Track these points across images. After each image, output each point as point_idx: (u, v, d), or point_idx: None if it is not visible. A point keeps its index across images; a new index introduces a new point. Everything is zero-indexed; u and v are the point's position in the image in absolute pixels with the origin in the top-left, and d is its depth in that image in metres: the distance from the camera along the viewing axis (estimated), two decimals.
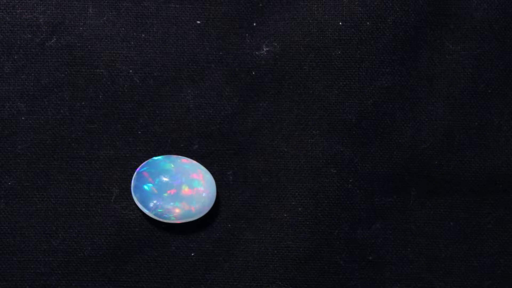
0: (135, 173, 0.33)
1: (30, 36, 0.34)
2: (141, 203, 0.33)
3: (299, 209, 0.34)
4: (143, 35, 0.34)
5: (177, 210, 0.33)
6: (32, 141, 0.34)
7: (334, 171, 0.34)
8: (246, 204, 0.34)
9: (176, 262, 0.34)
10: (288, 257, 0.34)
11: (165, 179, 0.33)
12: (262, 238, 0.34)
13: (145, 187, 0.33)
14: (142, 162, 0.33)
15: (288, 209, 0.34)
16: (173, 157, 0.33)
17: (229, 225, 0.34)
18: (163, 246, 0.34)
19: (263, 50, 0.34)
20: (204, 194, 0.33)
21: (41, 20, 0.34)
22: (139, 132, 0.34)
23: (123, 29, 0.34)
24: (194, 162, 0.33)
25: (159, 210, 0.33)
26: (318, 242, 0.34)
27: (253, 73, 0.34)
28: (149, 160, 0.33)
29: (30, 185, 0.34)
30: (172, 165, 0.33)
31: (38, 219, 0.34)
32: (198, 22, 0.34)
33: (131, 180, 0.33)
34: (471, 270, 0.35)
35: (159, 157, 0.33)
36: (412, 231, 0.35)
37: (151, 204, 0.33)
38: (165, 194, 0.33)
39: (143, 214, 0.34)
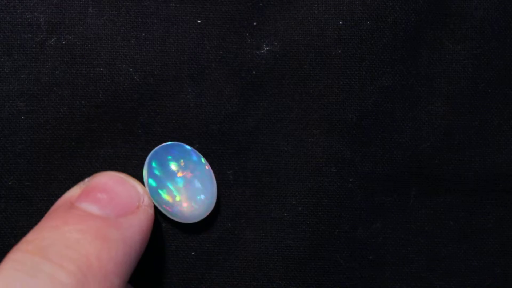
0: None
1: (30, 35, 0.34)
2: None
3: (300, 208, 0.34)
4: (143, 34, 0.34)
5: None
6: (32, 141, 0.34)
7: (335, 170, 0.34)
8: (246, 203, 0.34)
9: (176, 261, 0.34)
10: (289, 257, 0.34)
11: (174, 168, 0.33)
12: (262, 238, 0.34)
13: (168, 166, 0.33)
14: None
15: (288, 208, 0.34)
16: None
17: (230, 225, 0.34)
18: (163, 246, 0.34)
19: (263, 49, 0.34)
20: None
21: (41, 19, 0.34)
22: (139, 131, 0.34)
23: (123, 28, 0.34)
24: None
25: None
26: (319, 242, 0.34)
27: (254, 72, 0.34)
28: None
29: (30, 184, 0.34)
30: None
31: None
32: (199, 21, 0.34)
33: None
34: (471, 270, 0.35)
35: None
36: (412, 230, 0.35)
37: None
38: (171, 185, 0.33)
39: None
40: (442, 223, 0.35)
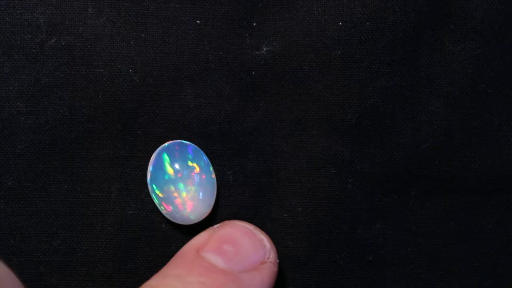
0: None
1: (30, 36, 0.34)
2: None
3: (299, 209, 0.34)
4: (143, 34, 0.34)
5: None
6: (31, 141, 0.34)
7: (334, 171, 0.34)
8: (246, 204, 0.34)
9: None
10: (288, 257, 0.34)
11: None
12: None
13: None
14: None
15: (287, 209, 0.34)
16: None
17: None
18: (163, 246, 0.34)
19: (263, 50, 0.34)
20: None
21: (41, 20, 0.34)
22: (139, 132, 0.34)
23: (123, 29, 0.34)
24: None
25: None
26: (318, 242, 0.34)
27: (253, 73, 0.34)
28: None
29: (30, 185, 0.34)
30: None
31: (38, 219, 0.34)
32: (198, 22, 0.34)
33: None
34: (471, 270, 0.35)
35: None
36: (412, 231, 0.35)
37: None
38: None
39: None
40: (442, 223, 0.35)
